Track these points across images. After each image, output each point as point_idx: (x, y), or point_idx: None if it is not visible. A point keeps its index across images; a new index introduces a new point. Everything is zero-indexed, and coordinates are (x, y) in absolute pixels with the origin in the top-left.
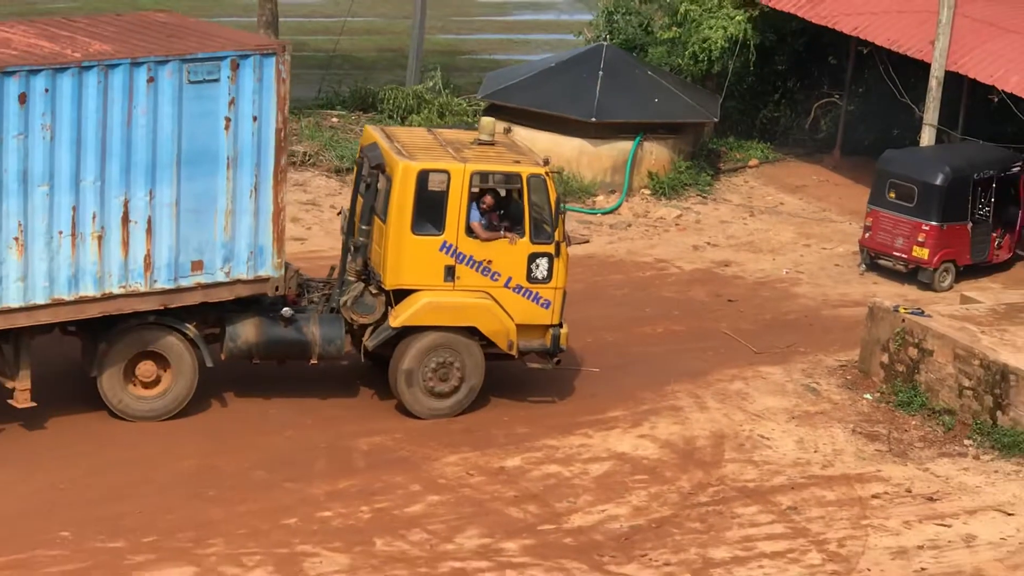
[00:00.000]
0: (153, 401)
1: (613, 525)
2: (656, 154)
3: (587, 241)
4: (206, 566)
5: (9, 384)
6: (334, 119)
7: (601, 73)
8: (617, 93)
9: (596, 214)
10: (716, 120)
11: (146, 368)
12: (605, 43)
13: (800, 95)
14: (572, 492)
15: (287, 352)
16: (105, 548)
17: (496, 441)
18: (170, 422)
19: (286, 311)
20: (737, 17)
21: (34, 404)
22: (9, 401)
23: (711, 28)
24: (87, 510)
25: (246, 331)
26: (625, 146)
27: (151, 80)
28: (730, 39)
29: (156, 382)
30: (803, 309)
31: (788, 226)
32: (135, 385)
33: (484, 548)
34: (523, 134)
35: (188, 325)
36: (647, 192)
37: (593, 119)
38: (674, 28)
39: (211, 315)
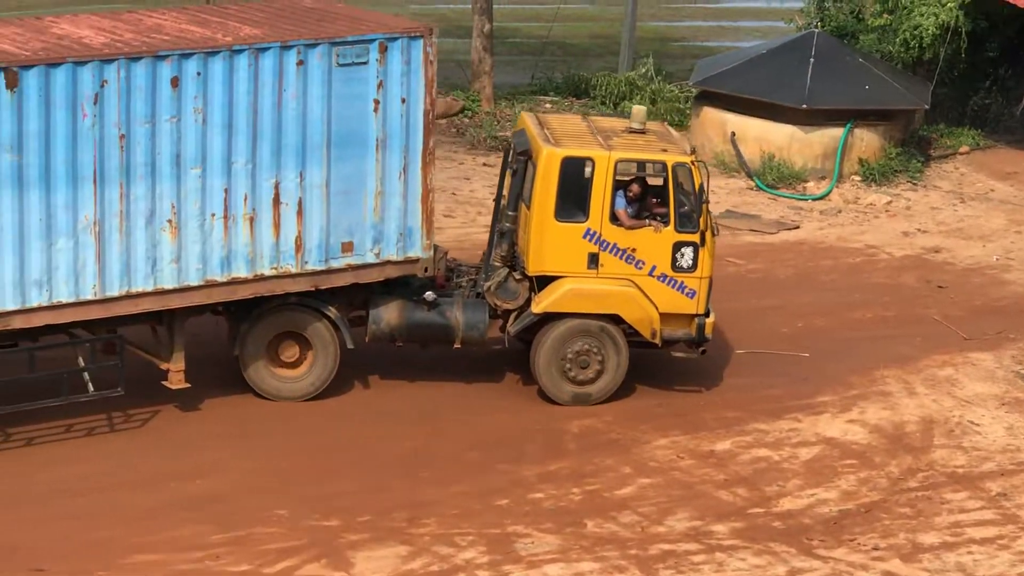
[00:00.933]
0: (295, 382)
1: (822, 509)
2: (866, 140)
3: (797, 227)
4: (419, 545)
5: (164, 366)
6: (547, 105)
7: (812, 60)
8: (828, 80)
9: (807, 200)
10: (927, 107)
11: (289, 349)
12: (816, 30)
13: (1011, 82)
14: (781, 476)
15: (430, 336)
16: (320, 526)
17: (706, 425)
18: (386, 405)
19: (429, 295)
20: (949, 4)
21: (188, 385)
22: (163, 383)
23: (922, 15)
24: (303, 489)
25: (390, 314)
26: (836, 132)
27: (300, 63)
28: (941, 26)
29: (298, 363)
30: (1014, 296)
31: (999, 213)
32: (277, 365)
33: (694, 531)
34: (734, 121)
35: (330, 307)
36: (857, 178)
37: (804, 105)
38: (885, 15)
39: (357, 297)
